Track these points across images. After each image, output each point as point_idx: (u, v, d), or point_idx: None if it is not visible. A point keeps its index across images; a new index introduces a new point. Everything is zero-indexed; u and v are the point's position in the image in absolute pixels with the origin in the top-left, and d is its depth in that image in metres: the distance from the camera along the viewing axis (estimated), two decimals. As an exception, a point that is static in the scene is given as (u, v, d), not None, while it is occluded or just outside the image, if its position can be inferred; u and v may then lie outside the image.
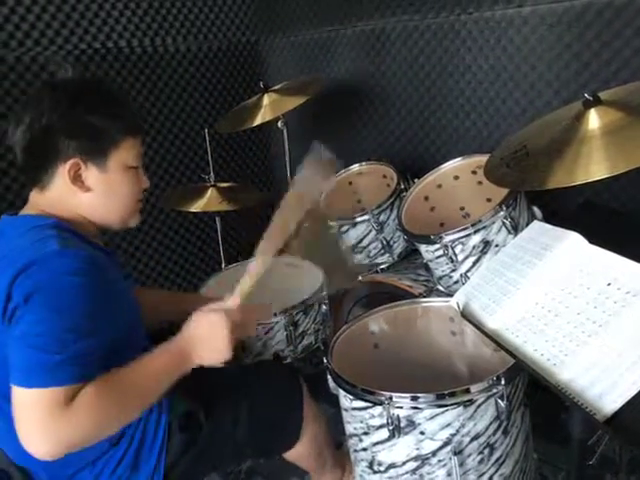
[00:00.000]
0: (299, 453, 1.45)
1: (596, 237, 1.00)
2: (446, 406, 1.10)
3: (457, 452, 1.12)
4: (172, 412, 1.23)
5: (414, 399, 1.11)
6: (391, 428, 1.12)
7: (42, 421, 0.92)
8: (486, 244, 1.52)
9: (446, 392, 1.10)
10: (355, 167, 2.19)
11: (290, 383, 1.45)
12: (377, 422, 1.15)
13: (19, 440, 0.95)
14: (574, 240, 1.03)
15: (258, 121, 2.08)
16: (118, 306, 1.12)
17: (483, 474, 1.16)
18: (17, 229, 1.10)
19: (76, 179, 1.11)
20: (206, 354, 1.13)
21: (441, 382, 1.22)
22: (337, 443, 1.63)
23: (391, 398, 1.11)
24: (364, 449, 1.22)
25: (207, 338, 1.12)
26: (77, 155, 1.10)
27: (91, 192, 1.13)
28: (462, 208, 1.89)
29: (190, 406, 1.26)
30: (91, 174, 1.12)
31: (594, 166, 1.12)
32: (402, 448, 1.15)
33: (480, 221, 1.49)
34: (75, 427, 0.94)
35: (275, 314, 1.59)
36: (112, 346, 1.05)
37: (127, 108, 1.19)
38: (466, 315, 1.14)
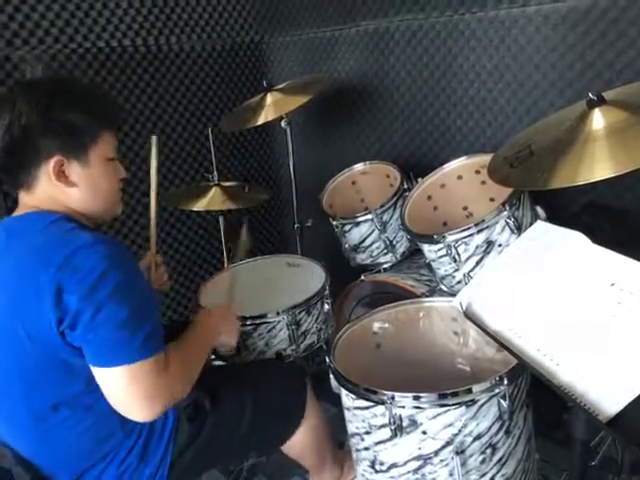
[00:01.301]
0: (300, 448, 1.47)
1: (599, 237, 0.99)
2: (448, 406, 1.09)
3: (459, 452, 1.12)
4: (179, 405, 1.25)
5: (416, 399, 1.11)
6: (393, 428, 1.12)
7: (152, 388, 1.07)
8: (489, 244, 1.51)
9: (448, 392, 1.10)
10: (358, 166, 2.19)
11: (295, 379, 1.49)
12: (379, 421, 1.15)
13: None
14: (577, 240, 1.03)
15: (261, 120, 2.08)
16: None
17: (485, 474, 1.16)
18: (32, 227, 1.11)
19: (60, 176, 1.12)
20: (224, 331, 1.44)
21: (443, 382, 1.22)
22: (339, 442, 1.64)
23: (393, 397, 1.11)
24: (366, 448, 1.22)
25: (221, 320, 1.44)
26: (59, 153, 1.11)
27: (76, 187, 1.15)
28: (465, 208, 1.88)
29: (196, 395, 1.27)
30: (74, 170, 1.14)
31: (598, 166, 1.12)
32: (404, 448, 1.15)
33: (483, 221, 1.49)
34: (174, 389, 1.12)
35: (278, 313, 1.60)
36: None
37: (102, 101, 1.21)
38: (469, 315, 1.13)
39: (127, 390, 1.06)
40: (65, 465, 1.16)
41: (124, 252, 1.10)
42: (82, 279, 1.01)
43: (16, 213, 1.16)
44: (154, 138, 1.44)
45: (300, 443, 1.46)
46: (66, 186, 1.13)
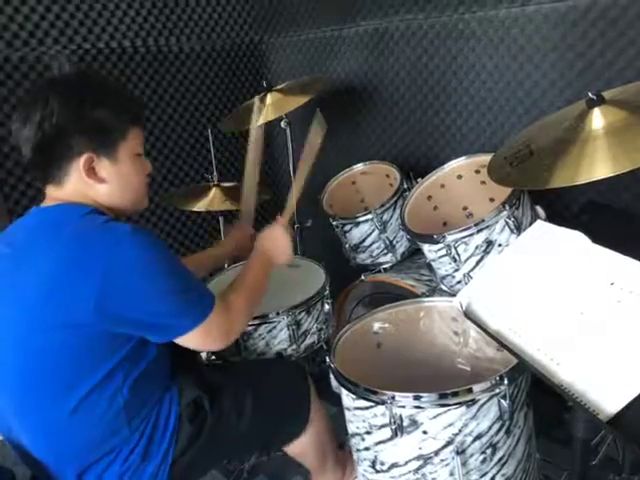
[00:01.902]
0: (302, 449, 1.47)
1: (599, 236, 0.99)
2: (449, 406, 1.09)
3: (460, 452, 1.12)
4: (181, 403, 1.27)
5: (417, 398, 1.11)
6: (394, 427, 1.12)
7: (223, 329, 1.22)
8: (489, 244, 1.52)
9: (449, 392, 1.10)
10: (358, 166, 2.19)
11: (297, 378, 1.48)
12: (380, 421, 1.15)
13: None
14: (577, 239, 1.03)
15: (261, 120, 2.08)
16: None
17: (486, 474, 1.16)
18: (68, 217, 1.13)
19: (90, 172, 1.15)
20: (279, 255, 1.51)
21: (444, 382, 1.22)
22: (339, 443, 1.64)
23: (394, 397, 1.11)
24: (366, 448, 1.22)
25: (276, 245, 1.51)
26: (89, 150, 1.13)
27: (106, 183, 1.18)
28: (465, 208, 1.88)
29: (196, 394, 1.29)
30: (104, 166, 1.16)
31: (597, 165, 1.12)
32: (404, 447, 1.15)
33: (483, 220, 1.49)
34: (242, 318, 1.31)
35: (278, 313, 1.60)
36: None
37: (129, 98, 1.24)
38: (469, 315, 1.13)
39: (205, 341, 1.21)
40: (71, 458, 1.16)
41: (157, 237, 1.18)
42: (130, 268, 1.07)
43: (45, 204, 1.19)
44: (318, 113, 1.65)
45: (303, 444, 1.46)
46: (96, 182, 1.16)
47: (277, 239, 1.52)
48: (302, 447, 1.48)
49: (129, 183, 1.22)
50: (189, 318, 1.15)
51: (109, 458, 1.17)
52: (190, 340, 1.18)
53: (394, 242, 1.97)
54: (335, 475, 1.59)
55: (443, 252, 1.57)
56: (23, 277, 1.09)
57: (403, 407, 1.11)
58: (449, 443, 1.12)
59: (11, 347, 1.10)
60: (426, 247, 1.64)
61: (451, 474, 1.14)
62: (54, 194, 1.18)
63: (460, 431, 1.11)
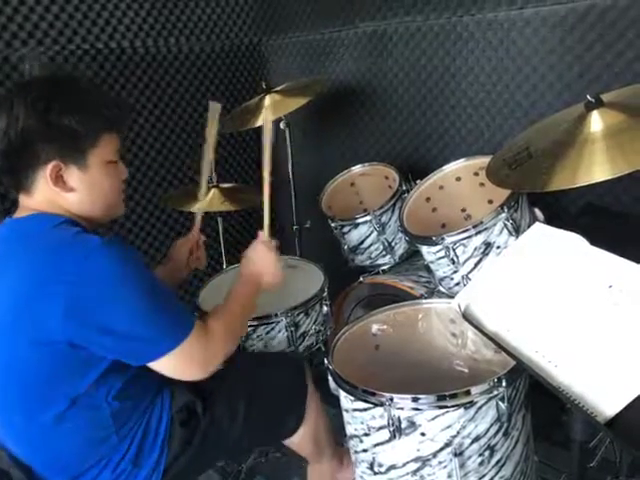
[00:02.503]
0: (298, 440, 1.47)
1: (598, 239, 1.00)
2: (447, 407, 1.09)
3: (458, 454, 1.12)
4: (173, 408, 1.25)
5: (415, 400, 1.11)
6: (392, 429, 1.12)
7: (201, 357, 1.14)
8: (487, 246, 1.52)
9: (447, 393, 1.10)
10: (357, 168, 2.19)
11: (293, 375, 1.47)
12: (378, 423, 1.15)
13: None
14: (575, 242, 1.03)
15: (260, 122, 2.08)
16: None
17: (484, 476, 1.16)
18: (38, 229, 1.09)
19: (58, 181, 1.10)
20: (266, 276, 1.39)
21: (442, 383, 1.22)
22: (338, 444, 1.64)
23: (392, 399, 1.11)
24: (365, 450, 1.22)
25: (261, 265, 1.39)
26: (56, 158, 1.09)
27: (74, 192, 1.13)
28: (464, 210, 1.89)
29: (188, 398, 1.27)
30: (72, 174, 1.12)
31: (596, 168, 1.12)
32: (403, 449, 1.15)
33: (482, 222, 1.49)
34: (222, 347, 1.20)
35: (276, 315, 1.60)
36: None
37: (102, 103, 1.17)
38: (467, 317, 1.14)
39: (179, 368, 1.14)
40: (59, 468, 1.15)
41: (131, 250, 1.12)
42: (99, 283, 1.02)
43: (17, 215, 1.15)
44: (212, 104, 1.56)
45: (299, 436, 1.46)
46: (64, 191, 1.12)
47: (261, 259, 1.40)
48: (298, 440, 1.47)
49: (100, 191, 1.16)
50: (163, 342, 1.08)
51: (99, 466, 1.16)
52: (164, 366, 1.11)
53: (393, 244, 1.97)
54: (332, 464, 1.59)
55: (442, 254, 1.57)
56: None
57: (401, 409, 1.11)
58: (447, 445, 1.12)
59: None
60: (425, 249, 1.64)
61: (449, 476, 1.14)
62: (26, 203, 1.14)
63: (458, 433, 1.11)
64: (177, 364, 1.12)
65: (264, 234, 1.47)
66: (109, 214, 1.23)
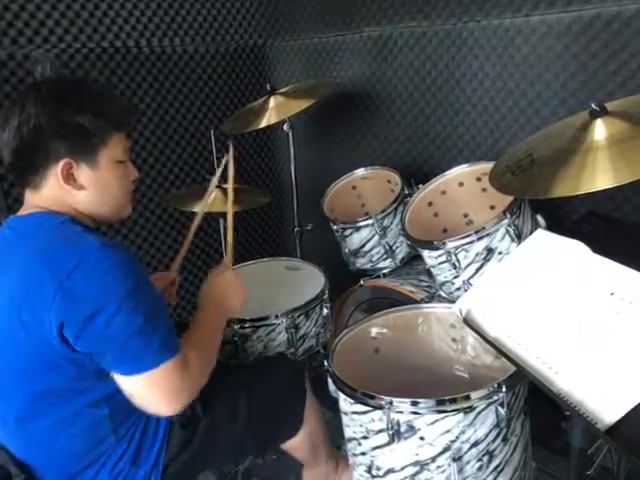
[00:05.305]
0: (295, 443, 1.47)
1: (600, 246, 1.00)
2: (446, 412, 1.10)
3: (456, 458, 1.12)
4: None
5: (414, 404, 1.11)
6: (391, 433, 1.12)
7: (177, 386, 1.09)
8: (489, 251, 1.52)
9: (446, 398, 1.10)
10: (360, 171, 2.19)
11: (293, 380, 1.47)
12: (377, 426, 1.15)
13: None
14: (577, 249, 1.03)
15: (264, 123, 2.08)
16: None
17: (482, 481, 1.16)
18: (39, 227, 1.10)
19: (69, 178, 1.11)
20: (233, 301, 1.37)
21: (442, 388, 1.22)
22: (336, 447, 1.63)
23: (391, 403, 1.11)
24: (363, 453, 1.22)
25: (227, 290, 1.37)
26: (68, 155, 1.10)
27: (84, 190, 1.14)
28: (466, 215, 1.89)
29: None
30: (83, 173, 1.12)
31: (599, 176, 1.12)
32: (401, 453, 1.15)
33: (484, 228, 1.49)
34: (196, 381, 1.15)
35: (277, 316, 1.60)
36: None
37: (113, 104, 1.19)
38: (468, 322, 1.14)
39: (152, 393, 1.08)
40: (57, 468, 1.15)
41: (131, 256, 1.09)
42: (92, 286, 1.01)
43: (21, 212, 1.16)
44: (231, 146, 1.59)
45: (296, 440, 1.46)
46: (74, 189, 1.12)
47: (227, 283, 1.38)
48: (295, 443, 1.47)
49: (109, 190, 1.17)
50: (140, 360, 1.05)
51: (97, 465, 1.16)
52: (131, 385, 1.07)
53: (394, 247, 1.97)
54: (328, 468, 1.59)
55: (443, 258, 1.57)
56: None
57: (401, 412, 1.11)
58: (446, 450, 1.12)
59: None
60: (426, 253, 1.64)
61: (447, 481, 1.14)
62: (32, 199, 1.15)
63: (457, 438, 1.11)
64: (145, 387, 1.07)
65: (228, 258, 1.49)
66: (117, 214, 1.23)
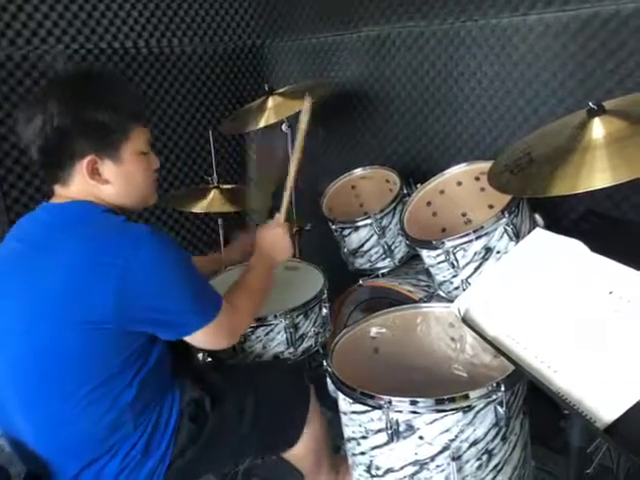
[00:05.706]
0: (298, 452, 1.47)
1: (598, 245, 1.00)
2: (445, 411, 1.10)
3: (455, 458, 1.12)
4: (183, 402, 1.28)
5: (413, 404, 1.11)
6: (390, 432, 1.12)
7: (230, 329, 1.28)
8: (488, 250, 1.52)
9: (445, 397, 1.10)
10: (358, 171, 2.19)
11: (297, 382, 1.49)
12: (376, 426, 1.15)
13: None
14: (576, 248, 1.03)
15: (262, 124, 2.08)
16: None
17: (481, 480, 1.16)
18: (84, 215, 1.15)
19: (94, 174, 1.16)
20: (279, 253, 1.54)
21: (441, 387, 1.22)
22: (335, 447, 1.63)
23: (390, 402, 1.11)
24: (362, 453, 1.22)
25: (275, 243, 1.54)
26: (92, 152, 1.14)
27: (110, 184, 1.18)
28: (464, 214, 1.89)
29: (197, 395, 1.30)
30: (107, 167, 1.17)
31: (597, 175, 1.12)
32: (400, 453, 1.15)
33: (482, 227, 1.49)
34: (247, 315, 1.37)
35: (276, 316, 1.60)
36: None
37: (131, 96, 1.23)
38: (467, 321, 1.14)
39: (212, 339, 1.25)
40: (73, 453, 1.16)
41: (172, 239, 1.21)
42: (149, 267, 1.10)
43: (55, 201, 1.19)
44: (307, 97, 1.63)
45: (300, 447, 1.46)
46: (100, 183, 1.17)
47: (276, 237, 1.54)
48: (297, 452, 1.47)
49: (134, 182, 1.22)
50: (200, 318, 1.19)
51: (109, 455, 1.17)
52: (198, 338, 1.21)
53: (393, 247, 1.97)
54: (329, 477, 1.59)
55: (442, 258, 1.57)
56: (38, 273, 1.09)
57: (400, 412, 1.11)
58: (445, 449, 1.12)
59: (20, 341, 1.11)
60: (425, 253, 1.64)
61: (446, 480, 1.14)
62: (63, 193, 1.19)
63: (456, 437, 1.11)
64: (209, 337, 1.22)
65: (281, 216, 1.60)
66: (142, 203, 1.30)
